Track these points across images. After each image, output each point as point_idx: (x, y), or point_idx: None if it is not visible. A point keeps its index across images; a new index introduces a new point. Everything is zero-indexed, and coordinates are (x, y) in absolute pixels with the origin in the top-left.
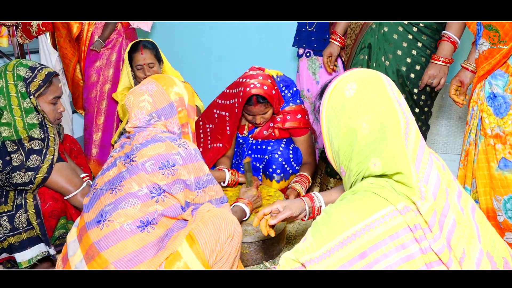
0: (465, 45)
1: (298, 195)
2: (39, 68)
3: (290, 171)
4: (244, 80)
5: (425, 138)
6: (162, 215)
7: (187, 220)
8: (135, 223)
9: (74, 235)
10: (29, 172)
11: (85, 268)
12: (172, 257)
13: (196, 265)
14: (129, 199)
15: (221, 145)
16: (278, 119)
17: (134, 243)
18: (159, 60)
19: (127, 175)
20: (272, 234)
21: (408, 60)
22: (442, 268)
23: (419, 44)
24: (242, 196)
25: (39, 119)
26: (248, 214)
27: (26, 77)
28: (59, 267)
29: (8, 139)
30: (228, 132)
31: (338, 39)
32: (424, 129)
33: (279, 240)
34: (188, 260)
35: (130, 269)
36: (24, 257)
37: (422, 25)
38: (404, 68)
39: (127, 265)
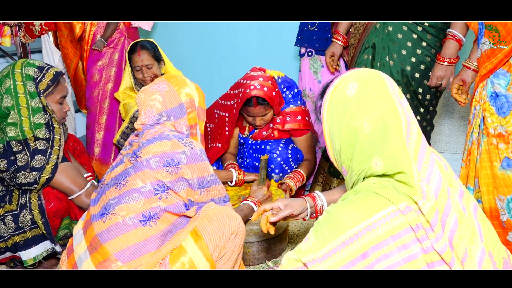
0: (466, 44)
1: (291, 190)
2: (47, 67)
3: (289, 170)
4: (244, 81)
5: (430, 138)
6: (164, 210)
7: (190, 217)
8: (137, 217)
9: (80, 227)
10: (34, 172)
11: (88, 258)
12: (177, 251)
13: (200, 260)
14: (133, 194)
15: (220, 145)
16: (278, 120)
17: (136, 236)
18: (158, 60)
19: (132, 171)
20: (272, 231)
21: (413, 59)
22: (444, 267)
23: (424, 44)
24: (252, 195)
25: (46, 119)
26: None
27: (35, 76)
28: (63, 259)
29: (14, 139)
30: (227, 133)
31: (340, 39)
32: (429, 128)
33: (281, 240)
34: (193, 254)
35: (132, 261)
36: (29, 255)
37: (427, 24)
38: (408, 68)
39: (129, 257)
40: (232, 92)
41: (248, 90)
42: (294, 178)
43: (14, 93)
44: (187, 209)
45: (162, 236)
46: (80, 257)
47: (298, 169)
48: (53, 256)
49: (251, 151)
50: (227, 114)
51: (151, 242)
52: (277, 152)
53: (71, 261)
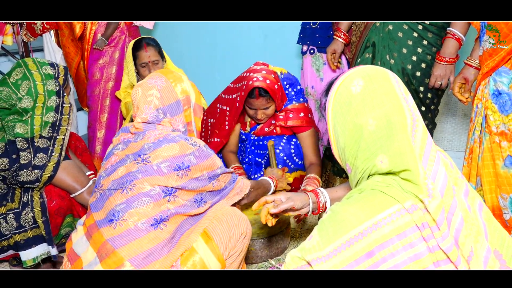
0: (468, 42)
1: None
2: (56, 64)
3: (292, 166)
4: (247, 74)
5: (432, 136)
6: (173, 212)
7: (196, 215)
8: (149, 221)
9: (82, 233)
10: (36, 170)
11: (99, 265)
12: (188, 252)
13: (211, 260)
14: (142, 198)
15: (218, 139)
16: (281, 117)
17: (149, 241)
18: (162, 57)
19: (139, 175)
20: (270, 224)
21: (414, 58)
22: (450, 267)
23: (425, 42)
24: (269, 175)
25: (55, 119)
26: (272, 189)
27: (54, 74)
28: (66, 264)
29: (21, 136)
30: (227, 127)
31: (342, 36)
32: (431, 127)
33: (283, 238)
34: (204, 255)
35: (146, 266)
36: (29, 256)
37: (428, 22)
38: (409, 67)
39: (142, 262)
40: (234, 86)
41: (250, 82)
42: (311, 183)
43: (35, 94)
44: (198, 203)
45: (171, 238)
46: (90, 263)
47: (310, 175)
48: (49, 259)
49: (253, 148)
50: (228, 108)
51: (163, 246)
52: (280, 147)
53: (77, 268)
